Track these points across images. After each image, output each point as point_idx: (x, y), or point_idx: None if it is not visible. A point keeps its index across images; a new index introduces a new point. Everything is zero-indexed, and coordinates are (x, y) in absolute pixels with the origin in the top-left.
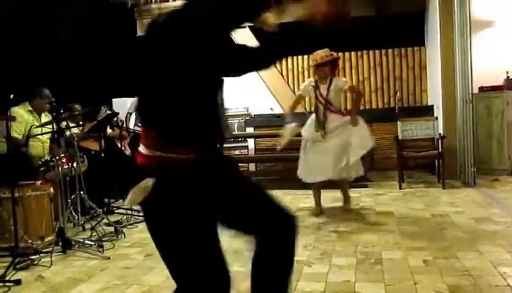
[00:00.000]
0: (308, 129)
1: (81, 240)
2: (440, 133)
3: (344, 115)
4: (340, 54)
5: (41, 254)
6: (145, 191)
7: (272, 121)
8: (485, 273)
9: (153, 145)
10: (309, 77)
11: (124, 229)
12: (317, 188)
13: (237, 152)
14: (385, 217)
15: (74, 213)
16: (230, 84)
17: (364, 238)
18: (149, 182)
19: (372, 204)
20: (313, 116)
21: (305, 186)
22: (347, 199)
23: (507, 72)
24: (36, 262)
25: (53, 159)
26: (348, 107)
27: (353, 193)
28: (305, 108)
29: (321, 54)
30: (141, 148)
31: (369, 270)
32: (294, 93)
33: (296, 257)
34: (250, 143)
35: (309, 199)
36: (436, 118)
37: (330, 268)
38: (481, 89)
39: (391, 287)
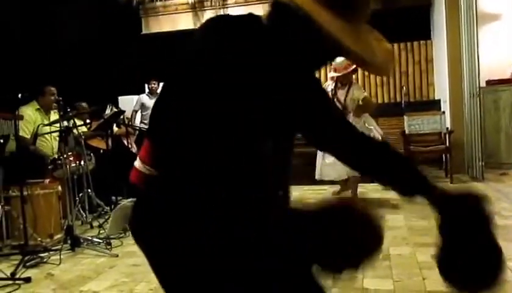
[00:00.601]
0: None
1: (89, 238)
2: (447, 128)
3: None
4: None
5: (50, 252)
6: (125, 219)
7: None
8: None
9: None
10: (320, 75)
11: None
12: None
13: None
14: (392, 213)
15: (82, 211)
16: None
17: None
18: (127, 205)
19: (378, 200)
20: None
21: (314, 182)
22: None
23: None
24: (45, 260)
25: (61, 157)
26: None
27: (361, 188)
28: None
29: (344, 64)
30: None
31: (377, 265)
32: None
33: None
34: None
35: (316, 194)
36: (443, 112)
37: None
38: (489, 82)
39: (399, 283)
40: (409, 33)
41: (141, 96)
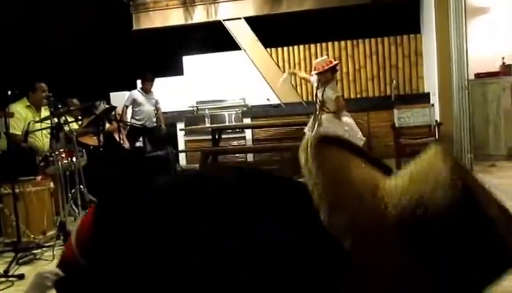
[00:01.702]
0: (309, 128)
1: None
2: (436, 120)
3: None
4: (336, 43)
5: (43, 249)
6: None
7: (269, 112)
8: None
9: None
10: (306, 67)
11: None
12: None
13: (235, 142)
14: None
15: (74, 207)
16: (226, 74)
17: None
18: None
19: None
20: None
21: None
22: None
23: (503, 58)
24: (38, 257)
25: (53, 154)
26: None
27: None
28: (302, 99)
29: (322, 63)
30: None
31: None
32: (291, 83)
33: None
34: (248, 133)
35: None
36: (433, 105)
37: None
38: (477, 75)
39: None
40: (399, 27)
41: (133, 91)
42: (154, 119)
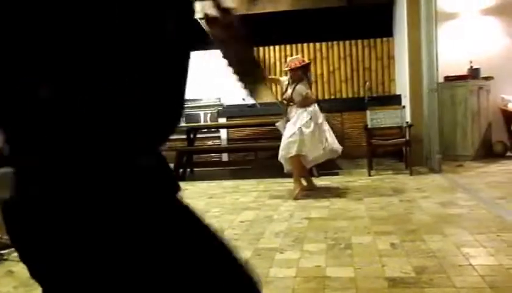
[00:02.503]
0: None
1: None
2: (407, 122)
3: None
4: (311, 45)
5: (11, 249)
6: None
7: (245, 111)
8: (449, 254)
9: None
10: (281, 68)
11: None
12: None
13: (210, 142)
14: (355, 204)
15: None
16: (201, 73)
17: (335, 224)
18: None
19: (342, 191)
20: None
21: (280, 175)
22: (308, 181)
23: (471, 62)
24: (5, 257)
25: None
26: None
27: (324, 181)
28: (277, 99)
29: (295, 61)
30: None
31: (339, 254)
32: (266, 84)
33: (268, 244)
34: (223, 133)
35: (282, 187)
36: (404, 106)
37: (301, 254)
38: (446, 78)
39: (360, 271)
40: (372, 30)
41: None
42: None
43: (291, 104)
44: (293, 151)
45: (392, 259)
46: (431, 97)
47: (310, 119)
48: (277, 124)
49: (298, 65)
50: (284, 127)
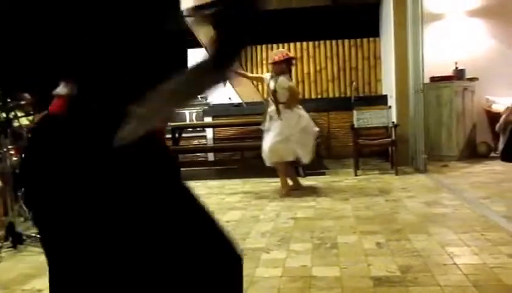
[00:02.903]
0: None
1: (33, 235)
2: (393, 122)
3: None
4: (297, 44)
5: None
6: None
7: (231, 111)
8: (433, 253)
9: None
10: (267, 67)
11: None
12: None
13: (195, 141)
14: (341, 203)
15: (24, 207)
16: None
17: (321, 224)
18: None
19: (328, 191)
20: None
21: (265, 174)
22: (294, 180)
23: (456, 63)
24: None
25: (1, 151)
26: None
27: (310, 180)
28: (263, 97)
29: (278, 54)
30: None
31: (325, 254)
32: (253, 83)
33: (254, 244)
34: (209, 132)
35: (268, 187)
36: (390, 107)
37: (287, 254)
38: (432, 79)
39: (346, 270)
40: (359, 30)
41: None
42: None
43: (275, 99)
44: (290, 157)
45: (377, 258)
46: (417, 97)
47: (298, 122)
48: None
49: (282, 59)
50: (268, 128)
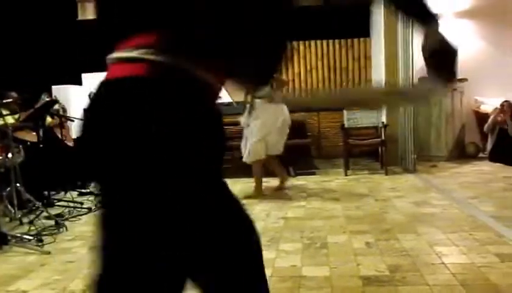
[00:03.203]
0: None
1: (18, 235)
2: (383, 122)
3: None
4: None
5: None
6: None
7: (221, 110)
8: (422, 253)
9: None
10: None
11: (66, 222)
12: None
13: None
14: (331, 203)
15: (10, 207)
16: None
17: (311, 223)
18: None
19: (318, 191)
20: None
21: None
22: (282, 178)
23: None
24: None
25: None
26: None
27: (300, 180)
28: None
29: None
30: None
31: (314, 254)
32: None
33: None
34: None
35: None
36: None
37: (277, 253)
38: (422, 79)
39: (335, 270)
40: (350, 30)
41: None
42: None
43: (261, 96)
44: (262, 154)
45: (367, 257)
46: None
47: (276, 118)
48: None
49: None
50: (247, 124)
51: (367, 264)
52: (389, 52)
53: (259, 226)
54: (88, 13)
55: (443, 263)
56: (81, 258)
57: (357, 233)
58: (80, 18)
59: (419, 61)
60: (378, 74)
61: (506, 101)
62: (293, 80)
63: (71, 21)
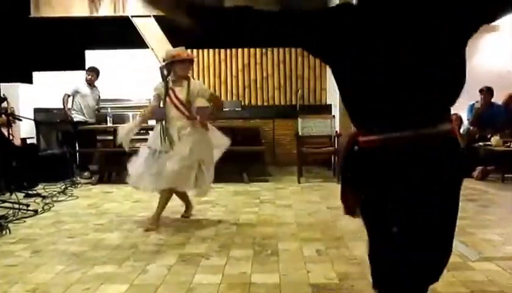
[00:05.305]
0: (155, 140)
1: None
2: (336, 131)
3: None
4: (245, 50)
5: None
6: None
7: None
8: None
9: None
10: (214, 72)
11: (10, 225)
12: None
13: (138, 144)
14: (284, 210)
15: None
16: (132, 73)
17: (263, 230)
18: None
19: (271, 198)
20: (158, 126)
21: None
22: (189, 205)
23: None
24: None
25: None
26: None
27: (254, 187)
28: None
29: (184, 51)
30: None
31: (265, 261)
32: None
33: (195, 250)
34: None
35: (212, 192)
36: (334, 116)
37: (227, 260)
38: None
39: (285, 277)
40: None
41: (79, 83)
42: (93, 115)
43: (185, 112)
44: (191, 184)
45: (317, 265)
46: None
47: (208, 144)
48: (121, 135)
49: (192, 57)
50: (167, 149)
51: (317, 271)
52: None
53: (211, 231)
54: (41, 10)
55: None
56: (23, 262)
57: (308, 240)
58: (32, 15)
59: None
60: (333, 83)
61: (454, 114)
62: (249, 87)
63: (23, 18)
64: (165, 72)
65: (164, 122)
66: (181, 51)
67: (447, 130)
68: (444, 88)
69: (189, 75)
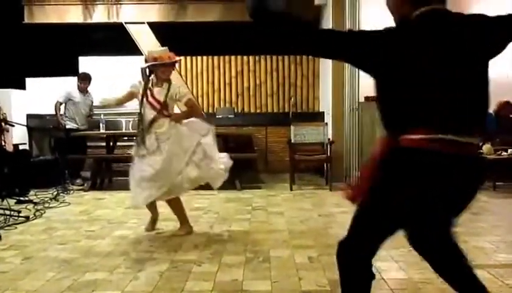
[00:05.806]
0: (137, 150)
1: None
2: (329, 139)
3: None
4: (238, 57)
5: None
6: None
7: None
8: None
9: None
10: (208, 78)
11: (1, 231)
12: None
13: (131, 151)
14: (276, 217)
15: None
16: (125, 79)
17: (255, 237)
18: None
19: (264, 205)
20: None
21: (201, 187)
22: (183, 220)
23: None
24: None
25: None
26: None
27: (246, 194)
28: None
29: (167, 53)
30: None
31: (257, 268)
32: (192, 93)
33: (186, 256)
34: None
35: (204, 199)
36: (326, 123)
37: (219, 267)
38: (367, 98)
39: (277, 284)
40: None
41: (72, 90)
42: (85, 122)
43: (164, 113)
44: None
45: (309, 272)
46: (352, 115)
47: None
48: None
49: (175, 60)
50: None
51: (308, 278)
52: (336, 71)
53: (202, 238)
54: (35, 17)
55: (382, 278)
56: (14, 268)
57: (300, 247)
58: (26, 21)
59: (365, 80)
60: (326, 92)
61: None
62: (242, 94)
63: (16, 24)
64: (147, 72)
65: (140, 121)
66: (164, 54)
67: (479, 144)
68: (479, 102)
69: (170, 78)
